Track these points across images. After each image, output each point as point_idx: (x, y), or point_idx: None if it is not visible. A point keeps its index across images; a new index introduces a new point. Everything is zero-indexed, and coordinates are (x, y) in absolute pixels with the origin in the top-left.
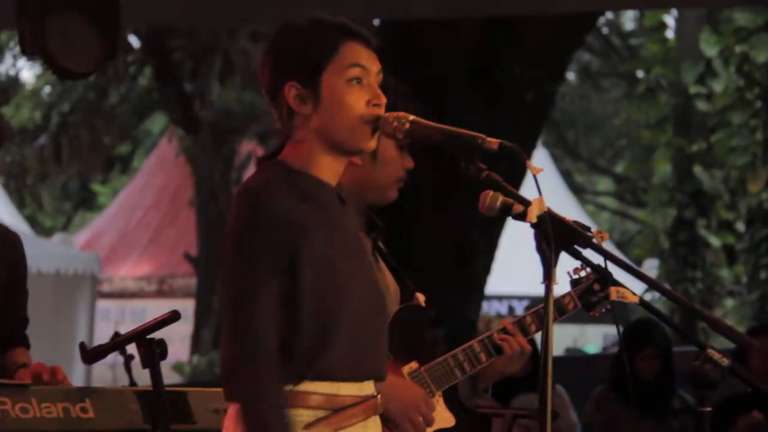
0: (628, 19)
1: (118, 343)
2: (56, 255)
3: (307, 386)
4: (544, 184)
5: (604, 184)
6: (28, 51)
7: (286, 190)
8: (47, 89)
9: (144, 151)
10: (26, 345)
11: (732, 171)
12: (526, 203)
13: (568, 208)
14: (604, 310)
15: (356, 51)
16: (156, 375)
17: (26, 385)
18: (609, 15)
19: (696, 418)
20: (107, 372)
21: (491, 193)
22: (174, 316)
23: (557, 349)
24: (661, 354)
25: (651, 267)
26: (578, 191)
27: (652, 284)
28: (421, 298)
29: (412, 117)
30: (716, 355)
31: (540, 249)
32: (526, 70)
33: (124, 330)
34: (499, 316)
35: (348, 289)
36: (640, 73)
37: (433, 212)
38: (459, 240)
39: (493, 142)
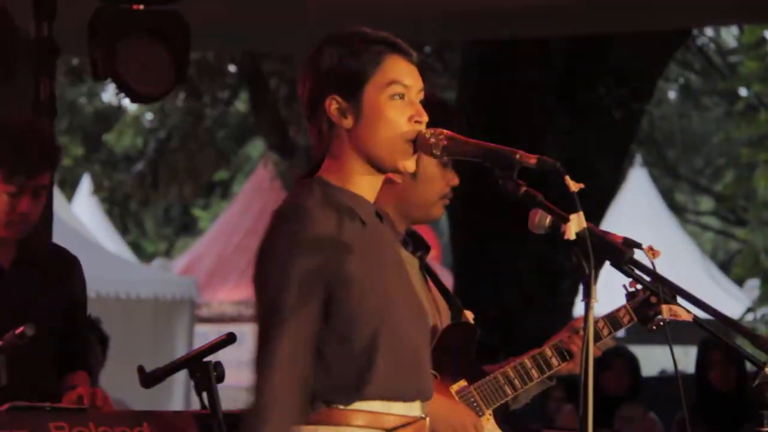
0: (730, 36)
1: (175, 366)
2: (155, 280)
3: (357, 405)
4: (645, 204)
5: (707, 203)
6: (100, 76)
7: (326, 209)
8: (148, 116)
9: (243, 176)
10: (86, 369)
11: None
12: (566, 220)
13: (668, 228)
14: (662, 323)
15: (399, 66)
16: (213, 398)
17: (84, 409)
18: (710, 33)
19: None
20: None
21: (541, 211)
22: (230, 339)
23: (652, 369)
24: (733, 361)
25: (752, 287)
26: (679, 211)
27: (696, 303)
28: (469, 315)
29: (449, 133)
30: None
31: (579, 266)
32: (613, 89)
33: (222, 354)
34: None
35: (392, 307)
36: (743, 92)
37: (515, 232)
38: (542, 261)
39: (532, 158)
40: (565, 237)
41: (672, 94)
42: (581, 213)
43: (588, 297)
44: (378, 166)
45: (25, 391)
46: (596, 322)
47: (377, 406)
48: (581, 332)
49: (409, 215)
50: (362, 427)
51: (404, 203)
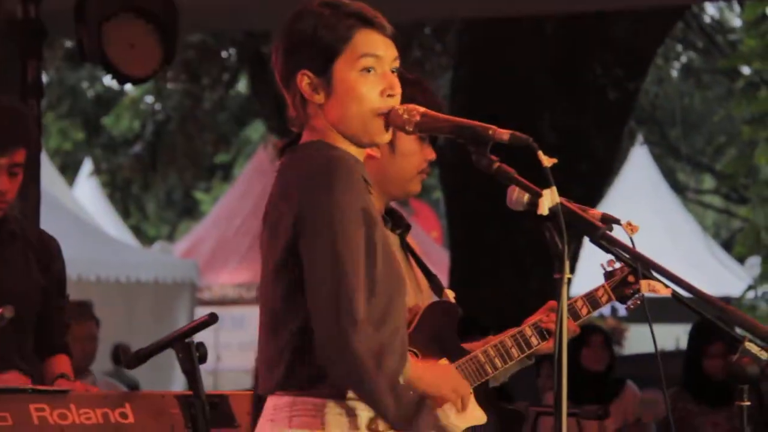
0: (734, 15)
1: (157, 347)
2: (155, 263)
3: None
4: (647, 183)
5: (709, 182)
6: (88, 57)
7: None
8: (148, 99)
9: (244, 158)
10: (66, 352)
11: None
12: (538, 195)
13: (670, 207)
14: (639, 302)
15: (370, 39)
16: (195, 378)
17: (65, 391)
18: (712, 12)
19: (734, 412)
20: (208, 377)
21: (518, 189)
22: (211, 320)
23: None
24: (728, 351)
25: (753, 264)
26: (681, 189)
27: (679, 282)
28: (450, 294)
29: (422, 109)
30: (755, 349)
31: (552, 241)
32: (609, 69)
33: (224, 336)
34: (601, 316)
35: (404, 285)
36: (744, 70)
37: (512, 211)
38: (539, 240)
39: (504, 133)
40: (538, 212)
41: (674, 73)
42: (554, 188)
43: (561, 272)
44: (353, 140)
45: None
46: (575, 301)
47: None
48: None
49: (387, 191)
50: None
51: (382, 179)
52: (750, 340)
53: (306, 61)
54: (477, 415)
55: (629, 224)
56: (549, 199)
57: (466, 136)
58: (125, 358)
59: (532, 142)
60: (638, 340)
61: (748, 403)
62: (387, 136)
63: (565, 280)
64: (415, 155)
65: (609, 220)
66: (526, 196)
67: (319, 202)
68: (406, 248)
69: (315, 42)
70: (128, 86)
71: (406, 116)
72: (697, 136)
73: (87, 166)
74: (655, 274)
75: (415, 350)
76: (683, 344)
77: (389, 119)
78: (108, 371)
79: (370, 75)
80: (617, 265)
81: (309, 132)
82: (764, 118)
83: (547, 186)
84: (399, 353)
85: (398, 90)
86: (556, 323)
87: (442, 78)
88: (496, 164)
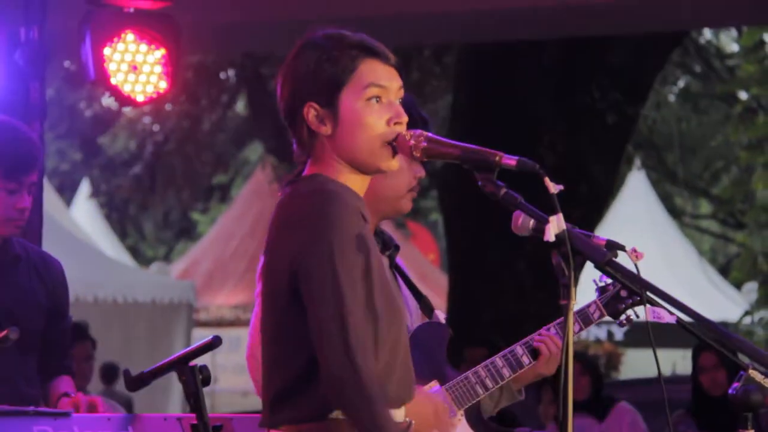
0: (731, 40)
1: (160, 369)
2: (152, 284)
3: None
4: (644, 208)
5: (706, 207)
6: (90, 79)
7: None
8: (146, 120)
9: (242, 179)
10: (70, 373)
11: None
12: (545, 222)
13: (666, 231)
14: (632, 318)
15: (375, 69)
16: (198, 401)
17: (67, 413)
18: (709, 36)
19: None
20: (205, 399)
21: (523, 214)
22: (215, 342)
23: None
24: (723, 365)
25: (750, 290)
26: (678, 214)
27: (683, 309)
28: (440, 315)
29: (429, 135)
30: (758, 377)
31: (558, 268)
32: (607, 93)
33: (220, 358)
34: (598, 341)
35: (401, 310)
36: (742, 95)
37: (512, 234)
38: (539, 262)
39: (512, 160)
40: (545, 238)
41: (672, 98)
42: (560, 214)
43: (568, 298)
44: (361, 169)
45: (8, 395)
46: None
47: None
48: (552, 329)
49: (378, 210)
50: None
51: (373, 198)
52: (754, 368)
53: (312, 94)
54: None
55: (634, 251)
56: (556, 225)
57: (473, 162)
58: (127, 380)
59: (539, 169)
60: (634, 365)
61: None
62: (394, 164)
63: (572, 306)
64: (404, 173)
65: (614, 247)
66: (532, 222)
67: (316, 238)
68: (395, 269)
69: (319, 74)
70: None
71: (413, 142)
72: (694, 161)
73: (85, 186)
74: (659, 300)
75: None
76: (680, 369)
77: (397, 145)
78: (99, 391)
79: (376, 104)
80: (609, 280)
81: (313, 164)
82: (762, 144)
83: (554, 212)
84: (403, 379)
85: (405, 118)
86: (562, 349)
87: (441, 100)
88: (503, 190)
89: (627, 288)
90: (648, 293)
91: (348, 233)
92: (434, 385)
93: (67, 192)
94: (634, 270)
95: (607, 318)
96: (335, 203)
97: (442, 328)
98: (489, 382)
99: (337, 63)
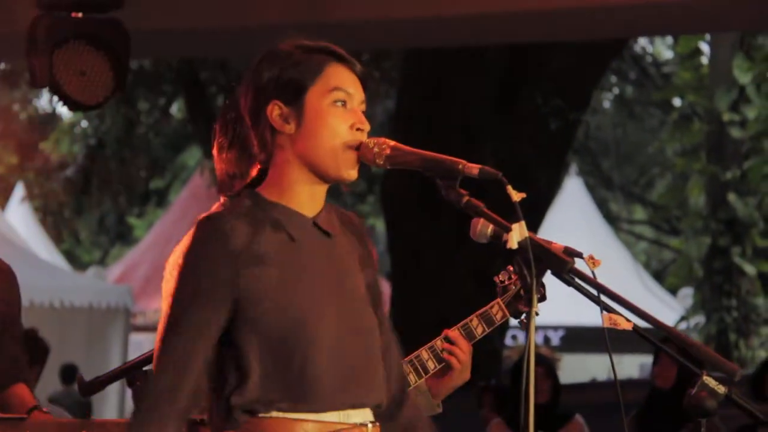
0: (666, 47)
1: (114, 375)
2: (89, 288)
3: (280, 413)
4: (580, 213)
5: (641, 213)
6: (38, 84)
7: (240, 222)
8: (84, 123)
9: (179, 184)
10: (24, 381)
11: (766, 198)
12: (507, 229)
13: (602, 237)
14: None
15: (341, 74)
16: None
17: (22, 418)
18: (644, 44)
19: None
20: None
21: (482, 220)
22: None
23: (584, 377)
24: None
25: (686, 296)
26: (613, 220)
27: (641, 315)
28: None
29: (392, 143)
30: (712, 383)
31: (521, 276)
32: (549, 99)
33: None
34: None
35: (312, 324)
36: (677, 102)
37: (451, 238)
38: (479, 266)
39: (474, 168)
40: (507, 246)
41: (607, 104)
42: (523, 222)
43: (530, 306)
44: (321, 175)
45: None
46: (470, 320)
47: (302, 416)
48: (460, 340)
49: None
50: None
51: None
52: (708, 374)
53: (277, 93)
54: None
55: (591, 258)
56: (518, 233)
57: (436, 170)
58: (80, 385)
59: (501, 176)
60: (571, 369)
61: None
62: (354, 173)
63: (533, 314)
64: None
65: (572, 254)
66: (490, 228)
67: (179, 264)
68: None
69: (286, 74)
70: (63, 110)
71: (376, 150)
72: (630, 167)
73: (19, 190)
74: (617, 307)
75: None
76: (620, 374)
77: (360, 153)
78: (54, 393)
79: (341, 108)
80: (508, 278)
81: (270, 170)
82: (697, 151)
83: (516, 220)
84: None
85: (367, 126)
86: (524, 357)
87: (379, 105)
88: (465, 198)
89: (585, 295)
90: (603, 299)
91: (203, 264)
92: None
93: (1, 196)
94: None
95: (542, 322)
96: (206, 229)
97: None
98: (411, 378)
99: (303, 66)
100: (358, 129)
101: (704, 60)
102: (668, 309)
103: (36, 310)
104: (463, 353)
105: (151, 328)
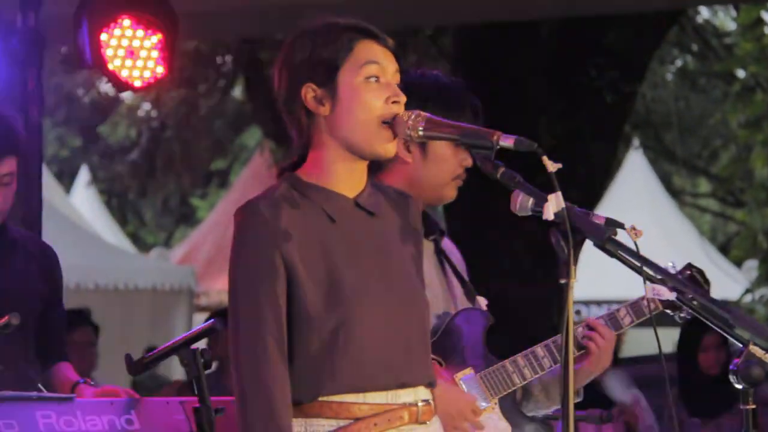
0: (728, 18)
1: (161, 354)
2: (153, 270)
3: (326, 397)
4: (643, 188)
5: (705, 186)
6: (86, 65)
7: (280, 205)
8: (146, 106)
9: (240, 165)
10: (67, 359)
11: None
12: (544, 200)
13: (666, 211)
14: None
15: (371, 49)
16: (200, 385)
17: (70, 397)
18: (707, 15)
19: (740, 415)
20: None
21: (522, 193)
22: (217, 326)
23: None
24: (724, 344)
25: (751, 268)
26: (677, 194)
27: (677, 283)
28: (482, 301)
29: (427, 115)
30: (759, 352)
31: (558, 246)
32: (605, 71)
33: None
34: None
35: (358, 301)
36: (740, 73)
37: (508, 214)
38: (538, 241)
39: (509, 138)
40: (543, 217)
41: (669, 77)
42: (559, 193)
43: (567, 276)
44: (357, 152)
45: (13, 379)
46: (618, 310)
47: (347, 398)
48: (601, 327)
49: (420, 196)
50: (330, 418)
51: (415, 184)
52: (755, 344)
53: (309, 76)
54: (501, 427)
55: (633, 228)
56: (554, 203)
57: (471, 142)
58: (129, 364)
59: (538, 148)
60: (633, 344)
61: (753, 407)
62: (391, 148)
63: (572, 285)
64: (448, 161)
65: (613, 224)
66: (531, 201)
67: (231, 257)
68: (440, 254)
69: (316, 57)
70: (125, 93)
71: (411, 122)
72: (692, 140)
73: (84, 173)
74: (660, 277)
75: (438, 359)
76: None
77: (394, 126)
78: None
79: (374, 83)
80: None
81: (310, 152)
82: (760, 122)
83: (553, 191)
84: (370, 362)
85: (403, 98)
86: (561, 327)
87: None
88: (501, 169)
89: (628, 266)
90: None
91: (248, 256)
92: (468, 372)
93: (66, 178)
94: (633, 248)
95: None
96: (245, 220)
97: (484, 315)
98: (527, 372)
99: (334, 45)
100: (393, 102)
101: (767, 30)
102: (733, 281)
103: (101, 292)
104: (601, 339)
105: (214, 308)
